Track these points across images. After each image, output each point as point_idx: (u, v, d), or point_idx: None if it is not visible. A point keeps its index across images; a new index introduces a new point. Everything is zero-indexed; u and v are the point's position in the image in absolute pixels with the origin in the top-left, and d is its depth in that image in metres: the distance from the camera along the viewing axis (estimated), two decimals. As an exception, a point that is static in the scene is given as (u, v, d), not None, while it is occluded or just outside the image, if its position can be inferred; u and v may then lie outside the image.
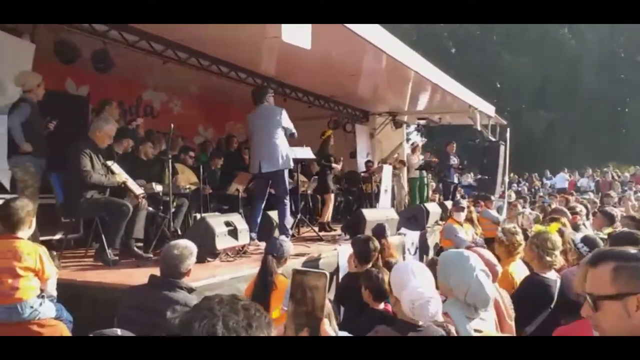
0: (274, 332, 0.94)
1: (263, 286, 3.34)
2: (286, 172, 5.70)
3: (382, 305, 3.23)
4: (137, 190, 4.81)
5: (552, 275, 3.28)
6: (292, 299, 0.99)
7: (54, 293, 3.03)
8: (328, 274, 1.01)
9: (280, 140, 5.56)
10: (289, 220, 5.66)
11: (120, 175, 4.77)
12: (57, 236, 4.98)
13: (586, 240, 2.96)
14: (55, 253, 4.54)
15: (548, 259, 3.25)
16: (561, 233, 3.54)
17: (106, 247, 4.43)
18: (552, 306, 3.12)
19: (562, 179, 19.60)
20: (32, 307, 2.83)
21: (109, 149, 5.21)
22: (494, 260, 2.97)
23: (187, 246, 3.01)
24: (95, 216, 4.68)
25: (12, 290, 2.77)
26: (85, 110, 6.68)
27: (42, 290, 2.93)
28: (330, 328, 0.99)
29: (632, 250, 1.47)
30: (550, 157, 26.60)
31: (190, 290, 2.96)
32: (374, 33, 5.76)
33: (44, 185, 4.89)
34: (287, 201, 5.68)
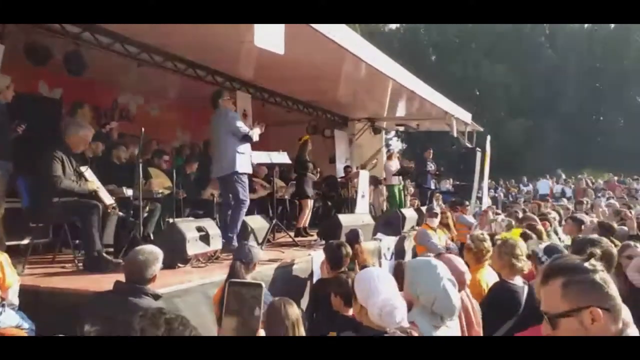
0: None
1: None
2: (239, 177, 5.45)
3: (352, 311, 3.22)
4: (108, 200, 4.71)
5: (519, 282, 3.32)
6: (227, 310, 0.98)
7: (16, 301, 2.95)
8: (263, 285, 1.00)
9: (228, 144, 5.44)
10: (236, 227, 5.43)
11: (93, 183, 4.67)
12: (25, 241, 4.86)
13: (548, 250, 3.01)
14: (22, 259, 4.45)
15: (518, 264, 3.30)
16: (525, 239, 3.59)
17: (93, 252, 4.31)
18: (519, 313, 3.15)
19: (545, 185, 19.89)
20: None
21: (82, 154, 5.12)
22: (463, 267, 2.99)
23: (152, 251, 2.97)
24: (65, 221, 4.58)
25: None
26: (57, 113, 6.54)
27: (2, 299, 2.85)
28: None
29: (578, 261, 1.43)
30: (528, 164, 27.05)
31: (156, 297, 2.92)
32: (351, 41, 5.80)
33: (11, 189, 4.79)
34: (239, 207, 5.45)
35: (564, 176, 21.28)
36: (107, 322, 2.69)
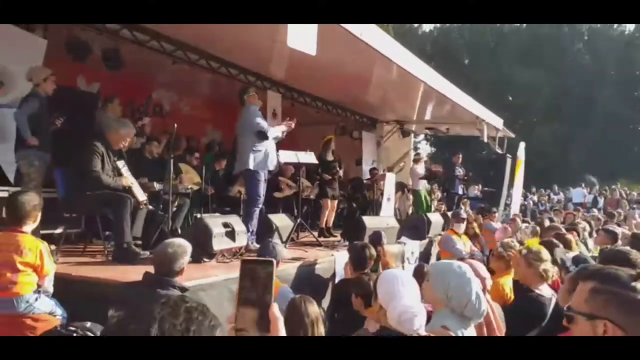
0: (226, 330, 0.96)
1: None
2: (252, 174, 5.36)
3: None
4: (141, 196, 4.81)
5: (547, 292, 3.26)
6: (241, 286, 1.02)
7: (50, 289, 3.05)
8: (275, 262, 1.04)
9: (245, 140, 5.40)
10: (252, 224, 5.35)
11: (127, 179, 4.79)
12: (58, 230, 5.03)
13: (576, 259, 2.95)
14: (54, 247, 4.61)
15: (542, 267, 3.24)
16: (551, 249, 3.53)
17: (122, 243, 4.43)
18: (544, 323, 3.10)
19: (579, 194, 19.39)
20: (27, 301, 2.85)
21: (119, 150, 5.26)
22: (485, 273, 2.96)
23: (181, 245, 3.04)
24: (97, 213, 4.72)
25: (10, 284, 2.79)
26: (94, 106, 6.75)
27: (39, 286, 2.96)
28: (278, 312, 1.01)
29: (620, 272, 1.44)
30: (560, 172, 26.44)
31: (183, 290, 2.99)
32: (382, 42, 5.80)
33: (48, 179, 4.97)
34: (254, 205, 5.37)
35: (597, 186, 20.71)
36: (134, 312, 2.77)
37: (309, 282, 4.75)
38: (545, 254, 3.28)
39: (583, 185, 20.56)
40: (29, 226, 2.96)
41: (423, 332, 2.17)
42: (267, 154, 5.44)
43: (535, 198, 20.38)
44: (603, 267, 1.52)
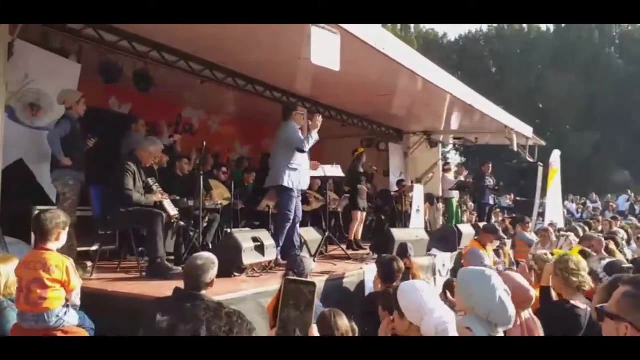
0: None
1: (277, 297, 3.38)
2: (285, 191, 5.41)
3: None
4: (172, 211, 4.93)
5: (582, 302, 3.17)
6: (284, 305, 1.05)
7: (78, 302, 3.14)
8: (316, 283, 1.07)
9: (280, 156, 5.46)
10: (282, 239, 5.38)
11: (158, 195, 4.92)
12: (94, 247, 5.18)
13: (609, 267, 2.87)
14: (90, 264, 4.76)
15: (574, 279, 3.16)
16: (585, 256, 3.44)
17: (156, 259, 4.53)
18: (579, 335, 3.02)
19: (623, 202, 18.84)
20: (57, 315, 2.95)
21: (150, 166, 5.42)
22: (527, 284, 2.91)
23: (209, 257, 3.10)
24: (130, 229, 4.85)
25: (40, 299, 2.90)
26: (126, 127, 6.97)
27: (67, 300, 3.06)
28: (317, 333, 1.04)
29: None
30: (595, 180, 25.69)
31: (214, 304, 3.03)
32: (407, 57, 5.82)
33: (84, 198, 5.14)
34: (285, 221, 5.41)
35: (632, 194, 20.06)
36: (181, 316, 2.85)
37: (338, 295, 4.74)
38: (581, 264, 3.20)
39: (629, 191, 19.92)
40: (53, 244, 3.04)
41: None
42: (302, 172, 5.52)
43: (574, 206, 19.79)
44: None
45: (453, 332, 2.13)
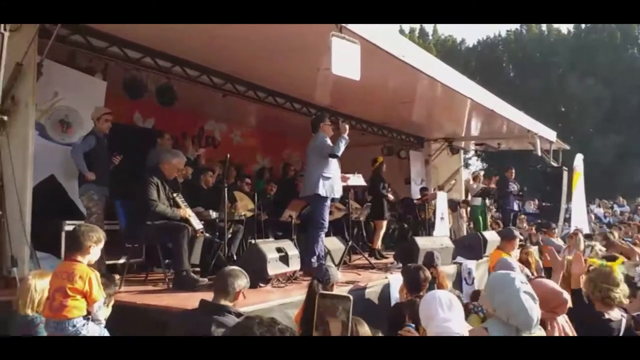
0: None
1: (310, 311, 3.37)
2: (320, 200, 5.47)
3: None
4: (197, 225, 4.98)
5: (616, 314, 3.06)
6: (320, 323, 1.05)
7: (101, 317, 3.15)
8: (352, 297, 1.07)
9: (313, 166, 5.54)
10: (318, 248, 5.44)
11: (184, 209, 4.98)
12: (121, 260, 5.27)
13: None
14: (118, 277, 4.82)
15: (610, 295, 3.03)
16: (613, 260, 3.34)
17: (181, 271, 4.59)
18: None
19: None
20: (74, 326, 2.98)
21: (175, 180, 5.50)
22: (559, 288, 2.86)
23: (236, 269, 3.13)
24: (157, 242, 4.92)
25: (60, 307, 2.97)
26: (151, 141, 7.10)
27: (89, 313, 3.10)
28: None
29: None
30: (620, 183, 25.08)
31: (239, 315, 3.04)
32: (427, 63, 5.81)
33: (110, 212, 5.23)
34: (319, 229, 5.48)
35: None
36: (234, 330, 2.85)
37: (362, 305, 4.71)
38: (615, 278, 3.08)
39: None
40: (84, 257, 3.12)
41: None
42: (335, 180, 5.60)
43: (601, 210, 19.33)
44: None
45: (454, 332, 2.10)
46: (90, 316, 3.08)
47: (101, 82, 5.79)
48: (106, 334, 3.20)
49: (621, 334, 2.92)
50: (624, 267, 3.34)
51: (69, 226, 5.35)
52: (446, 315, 2.13)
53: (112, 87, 5.83)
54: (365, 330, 2.62)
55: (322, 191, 5.44)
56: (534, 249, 6.55)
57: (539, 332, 2.42)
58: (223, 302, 3.00)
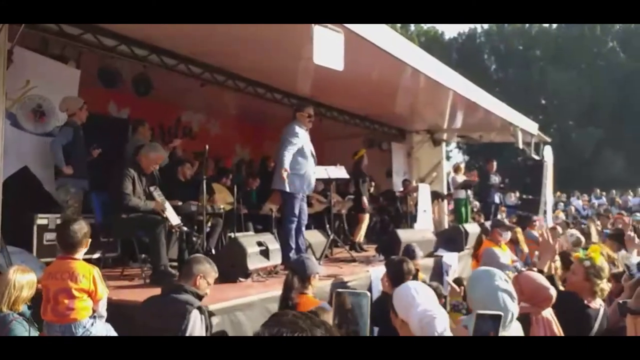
0: None
1: (285, 304, 3.32)
2: (286, 194, 5.32)
3: None
4: (175, 221, 4.85)
5: (596, 304, 3.09)
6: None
7: (104, 313, 3.12)
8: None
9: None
10: (292, 241, 5.30)
11: (160, 203, 4.83)
12: (96, 255, 5.12)
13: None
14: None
15: (595, 285, 3.07)
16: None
17: (159, 266, 4.47)
18: (591, 335, 2.95)
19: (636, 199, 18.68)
20: (84, 327, 2.92)
21: (151, 174, 5.34)
22: (546, 283, 2.86)
23: (201, 257, 3.18)
24: (133, 236, 4.79)
25: (67, 310, 2.87)
26: (126, 131, 6.92)
27: (94, 311, 3.02)
28: None
29: None
30: (599, 176, 25.54)
31: (196, 295, 3.04)
32: (410, 53, 5.74)
33: (86, 205, 5.08)
34: (289, 224, 5.33)
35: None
36: (155, 319, 2.95)
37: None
38: (606, 271, 3.13)
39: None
40: (80, 253, 3.04)
41: (449, 334, 2.11)
42: (306, 176, 5.39)
43: (580, 203, 19.65)
44: None
45: (442, 328, 2.06)
46: (95, 314, 3.00)
47: (75, 70, 5.59)
48: (112, 329, 3.12)
49: (597, 322, 2.97)
50: (621, 256, 3.35)
51: (41, 219, 5.20)
52: (422, 301, 2.12)
53: (86, 75, 5.64)
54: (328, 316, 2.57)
55: (288, 187, 5.26)
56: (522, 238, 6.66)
57: (514, 329, 2.40)
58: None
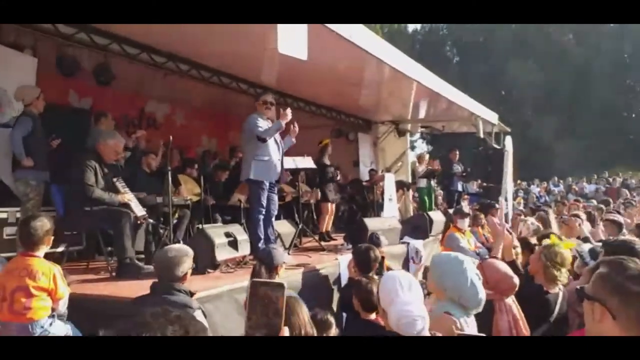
0: None
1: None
2: (253, 184, 5.24)
3: (373, 316, 3.08)
4: (140, 212, 4.75)
5: (555, 289, 3.19)
6: (252, 309, 0.99)
7: (65, 312, 3.03)
8: (285, 284, 1.01)
9: (247, 149, 5.33)
10: (260, 231, 5.23)
11: (124, 195, 4.74)
12: (60, 249, 4.98)
13: (593, 252, 2.95)
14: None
15: (555, 273, 3.13)
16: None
17: (124, 258, 4.39)
18: (551, 320, 3.05)
19: (593, 189, 19.33)
20: (42, 327, 2.83)
21: (114, 164, 5.22)
22: (510, 272, 2.94)
23: (181, 249, 3.04)
24: (97, 229, 4.68)
25: (24, 309, 2.78)
26: (87, 122, 6.73)
27: (53, 310, 2.93)
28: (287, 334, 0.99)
29: (630, 264, 1.49)
30: (557, 164, 26.48)
31: (190, 294, 2.96)
32: (374, 44, 5.78)
33: (47, 197, 4.93)
34: (256, 214, 5.23)
35: (595, 176, 20.78)
36: (145, 323, 2.76)
37: (315, 287, 4.71)
38: (566, 261, 3.19)
39: (596, 177, 20.54)
40: (41, 251, 2.94)
41: (427, 333, 2.12)
42: (271, 163, 5.27)
43: (538, 190, 20.35)
44: (620, 257, 1.56)
45: (420, 328, 2.08)
46: (55, 313, 2.91)
47: (31, 58, 5.39)
48: (73, 329, 3.03)
49: (557, 307, 3.05)
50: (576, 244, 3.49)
51: (0, 213, 5.02)
52: (406, 298, 2.13)
53: (44, 64, 5.45)
54: (303, 310, 2.57)
55: (252, 175, 5.18)
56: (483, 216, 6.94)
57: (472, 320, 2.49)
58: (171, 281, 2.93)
